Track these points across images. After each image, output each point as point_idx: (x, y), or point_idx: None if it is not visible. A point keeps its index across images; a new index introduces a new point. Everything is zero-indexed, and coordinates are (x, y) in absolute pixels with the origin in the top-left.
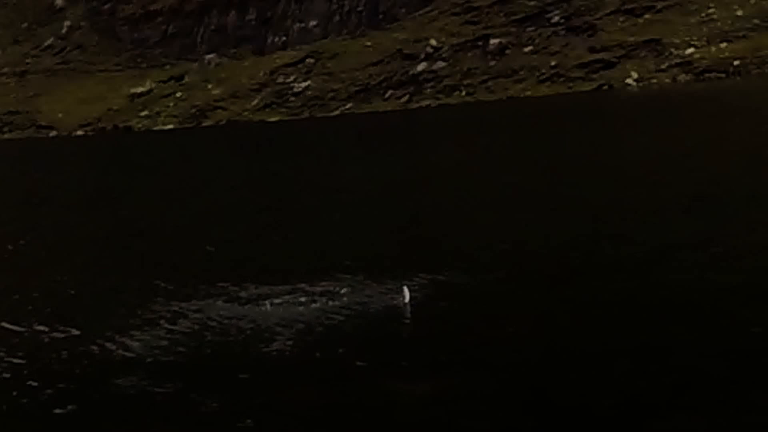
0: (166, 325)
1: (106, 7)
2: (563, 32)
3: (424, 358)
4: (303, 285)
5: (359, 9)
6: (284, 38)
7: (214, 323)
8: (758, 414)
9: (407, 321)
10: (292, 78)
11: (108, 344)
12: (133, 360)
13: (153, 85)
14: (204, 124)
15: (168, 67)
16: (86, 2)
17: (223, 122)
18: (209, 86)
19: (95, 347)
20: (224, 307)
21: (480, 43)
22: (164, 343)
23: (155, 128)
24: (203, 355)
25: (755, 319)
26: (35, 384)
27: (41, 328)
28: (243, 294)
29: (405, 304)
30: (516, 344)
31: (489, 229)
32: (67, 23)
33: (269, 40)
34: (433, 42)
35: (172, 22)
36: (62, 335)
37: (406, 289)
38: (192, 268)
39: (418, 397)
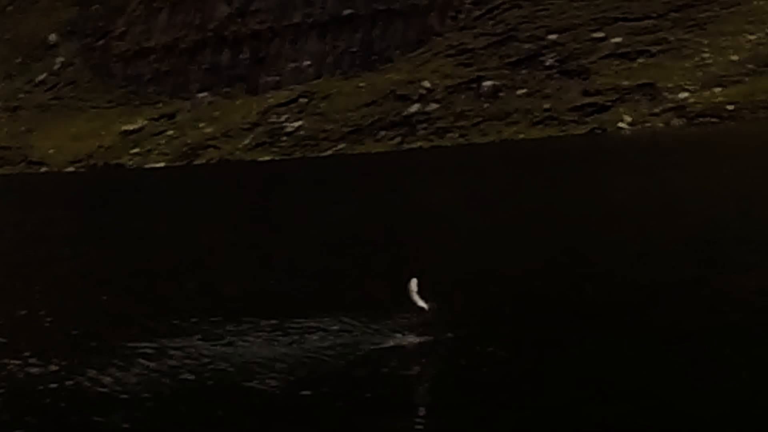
0: (145, 362)
1: (99, 43)
2: (557, 75)
3: (407, 398)
4: (289, 323)
5: (353, 49)
6: (277, 78)
7: (194, 361)
8: None
9: (393, 361)
10: (284, 117)
11: (85, 381)
12: (110, 397)
13: (145, 123)
14: (195, 162)
15: (160, 104)
16: (79, 39)
17: (215, 161)
18: (201, 124)
19: (72, 383)
20: (207, 345)
21: (473, 85)
22: (143, 380)
23: (147, 166)
24: (181, 392)
25: (745, 362)
26: (7, 419)
27: (17, 362)
28: (228, 331)
29: (413, 295)
30: (499, 385)
31: (479, 272)
32: (60, 59)
33: (262, 79)
34: (427, 83)
35: (165, 59)
36: (39, 370)
37: (414, 283)
38: (176, 307)
39: None
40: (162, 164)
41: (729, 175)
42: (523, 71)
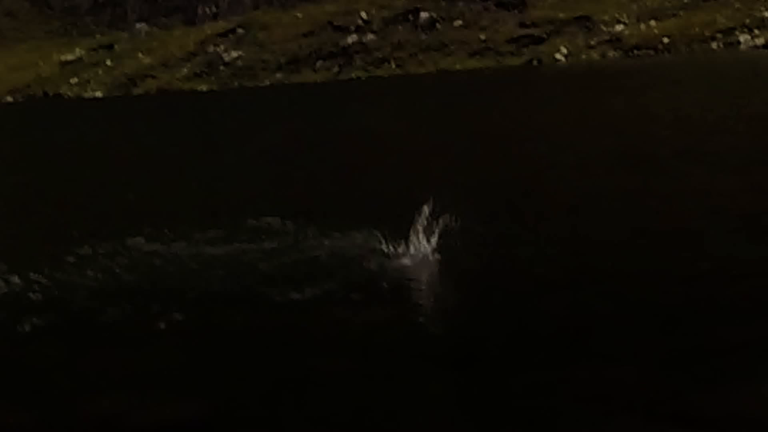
0: (123, 262)
1: None
2: (493, 7)
3: (377, 292)
4: (235, 230)
5: None
6: (215, 9)
7: (151, 263)
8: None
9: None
10: (222, 48)
11: (44, 281)
12: (102, 289)
13: (83, 53)
14: (134, 93)
15: (98, 35)
16: None
17: (153, 91)
18: (139, 55)
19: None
20: (169, 249)
21: (410, 16)
22: (89, 282)
23: (85, 95)
24: (138, 288)
25: (698, 257)
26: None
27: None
28: (193, 236)
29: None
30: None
31: (416, 192)
32: None
33: (200, 11)
34: (364, 14)
35: None
36: (21, 280)
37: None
38: (117, 216)
39: (372, 324)
40: (100, 94)
41: (661, 99)
42: (460, 3)
